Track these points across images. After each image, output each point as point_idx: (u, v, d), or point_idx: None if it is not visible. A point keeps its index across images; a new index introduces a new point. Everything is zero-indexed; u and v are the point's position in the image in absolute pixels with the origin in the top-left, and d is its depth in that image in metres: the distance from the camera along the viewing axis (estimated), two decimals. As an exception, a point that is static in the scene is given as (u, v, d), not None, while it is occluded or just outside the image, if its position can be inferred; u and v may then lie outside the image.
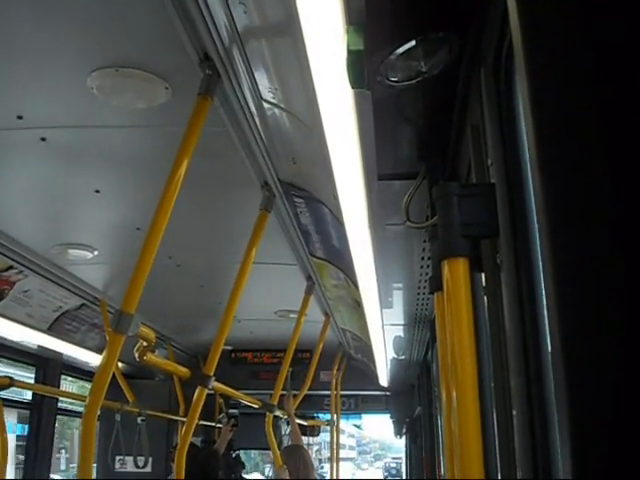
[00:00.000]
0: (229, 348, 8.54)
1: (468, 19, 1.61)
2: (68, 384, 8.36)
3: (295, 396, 6.40)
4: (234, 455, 7.80)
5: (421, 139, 2.21)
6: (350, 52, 1.75)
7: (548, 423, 1.19)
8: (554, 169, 0.88)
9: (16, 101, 2.84)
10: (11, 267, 4.72)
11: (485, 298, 1.75)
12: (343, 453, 29.61)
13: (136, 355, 2.68)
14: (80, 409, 7.87)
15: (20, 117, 2.92)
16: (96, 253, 4.75)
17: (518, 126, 1.41)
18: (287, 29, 2.07)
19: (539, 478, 1.21)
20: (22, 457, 6.63)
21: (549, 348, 1.18)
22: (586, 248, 0.83)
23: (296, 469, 5.33)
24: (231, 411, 6.69)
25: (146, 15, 2.31)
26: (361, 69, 1.76)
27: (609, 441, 0.77)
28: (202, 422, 7.49)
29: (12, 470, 8.28)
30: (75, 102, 2.85)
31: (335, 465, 8.04)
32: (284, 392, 5.65)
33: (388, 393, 9.68)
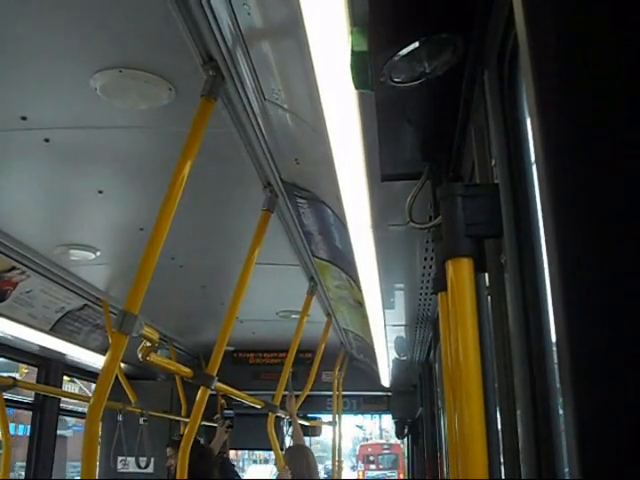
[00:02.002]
0: (231, 349, 8.55)
1: (472, 20, 1.61)
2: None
3: (297, 397, 6.40)
4: (225, 455, 7.81)
5: (424, 140, 2.21)
6: (354, 53, 1.76)
7: (552, 422, 1.19)
8: (559, 169, 0.88)
9: (20, 102, 2.85)
10: (14, 268, 4.72)
11: (489, 298, 1.76)
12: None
13: (140, 355, 2.68)
14: (81, 409, 7.90)
15: (24, 118, 2.93)
16: (99, 254, 4.76)
17: (522, 126, 1.41)
18: (291, 30, 2.07)
19: (543, 477, 1.21)
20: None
21: (553, 347, 1.19)
22: (590, 247, 0.84)
23: (299, 470, 5.29)
24: (226, 412, 6.66)
25: (150, 16, 2.32)
26: (365, 70, 1.77)
27: (616, 440, 0.77)
28: (204, 423, 7.50)
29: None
30: (79, 103, 2.86)
31: (337, 466, 8.05)
32: (286, 392, 5.64)
33: (390, 393, 9.69)
